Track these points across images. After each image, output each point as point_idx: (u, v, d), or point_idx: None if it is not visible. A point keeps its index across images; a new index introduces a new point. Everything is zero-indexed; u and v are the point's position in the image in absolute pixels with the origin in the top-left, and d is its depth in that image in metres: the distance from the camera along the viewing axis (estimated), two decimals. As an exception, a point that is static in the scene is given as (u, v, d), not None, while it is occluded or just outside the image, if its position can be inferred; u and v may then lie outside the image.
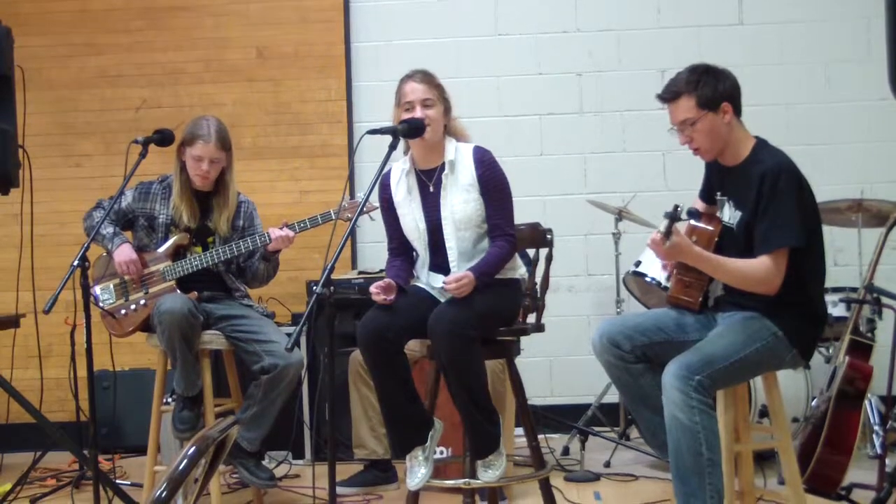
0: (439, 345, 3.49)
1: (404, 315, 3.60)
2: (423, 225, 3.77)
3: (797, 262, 3.32)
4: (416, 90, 3.73)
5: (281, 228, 4.23)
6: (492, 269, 3.66)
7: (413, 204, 3.79)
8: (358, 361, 4.61)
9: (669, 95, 3.45)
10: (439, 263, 3.78)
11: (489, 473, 3.59)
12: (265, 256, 4.36)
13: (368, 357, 3.60)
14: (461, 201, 3.72)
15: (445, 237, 3.74)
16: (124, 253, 4.29)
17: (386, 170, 3.77)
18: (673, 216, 3.22)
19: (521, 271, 3.88)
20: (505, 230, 3.74)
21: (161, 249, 4.34)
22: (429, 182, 3.78)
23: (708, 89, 3.40)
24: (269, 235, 4.25)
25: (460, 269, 3.68)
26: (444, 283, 3.60)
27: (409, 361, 4.35)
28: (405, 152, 3.85)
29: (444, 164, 3.74)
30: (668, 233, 3.21)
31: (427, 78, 3.78)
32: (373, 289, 3.58)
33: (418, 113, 3.68)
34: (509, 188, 3.80)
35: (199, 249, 4.37)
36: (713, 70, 3.45)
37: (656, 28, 5.90)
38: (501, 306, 3.71)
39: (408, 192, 3.80)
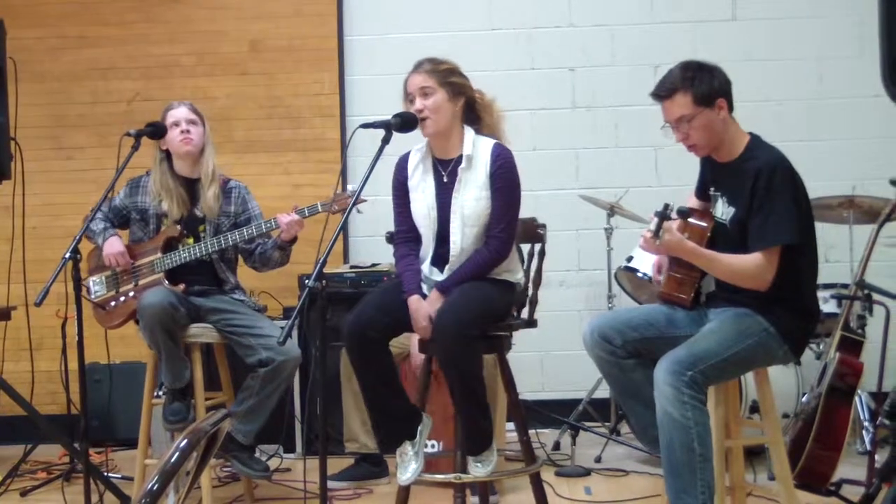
0: (446, 347, 3.46)
1: (391, 314, 3.59)
2: (434, 213, 3.73)
3: (790, 258, 3.32)
4: (413, 81, 3.69)
5: (289, 214, 4.20)
6: (459, 280, 3.63)
7: (427, 191, 3.74)
8: (349, 355, 4.60)
9: (665, 92, 3.42)
10: (441, 255, 3.74)
11: (480, 468, 3.58)
12: (281, 246, 4.31)
13: (352, 355, 3.59)
14: (473, 198, 3.67)
15: (451, 230, 3.70)
16: (113, 245, 4.30)
17: (405, 152, 3.79)
18: (663, 215, 3.24)
19: (517, 275, 3.79)
20: (495, 233, 3.67)
21: (152, 242, 4.34)
22: (443, 172, 3.74)
23: (704, 86, 3.38)
24: (275, 221, 4.20)
25: (459, 264, 3.69)
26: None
27: (399, 357, 4.37)
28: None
29: (461, 156, 3.70)
30: (657, 231, 3.22)
31: (427, 65, 3.71)
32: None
33: (417, 104, 3.66)
34: (517, 193, 3.73)
35: (190, 241, 4.36)
36: (706, 66, 3.44)
37: (650, 23, 5.90)
38: (495, 303, 3.67)
39: (422, 178, 3.76)
